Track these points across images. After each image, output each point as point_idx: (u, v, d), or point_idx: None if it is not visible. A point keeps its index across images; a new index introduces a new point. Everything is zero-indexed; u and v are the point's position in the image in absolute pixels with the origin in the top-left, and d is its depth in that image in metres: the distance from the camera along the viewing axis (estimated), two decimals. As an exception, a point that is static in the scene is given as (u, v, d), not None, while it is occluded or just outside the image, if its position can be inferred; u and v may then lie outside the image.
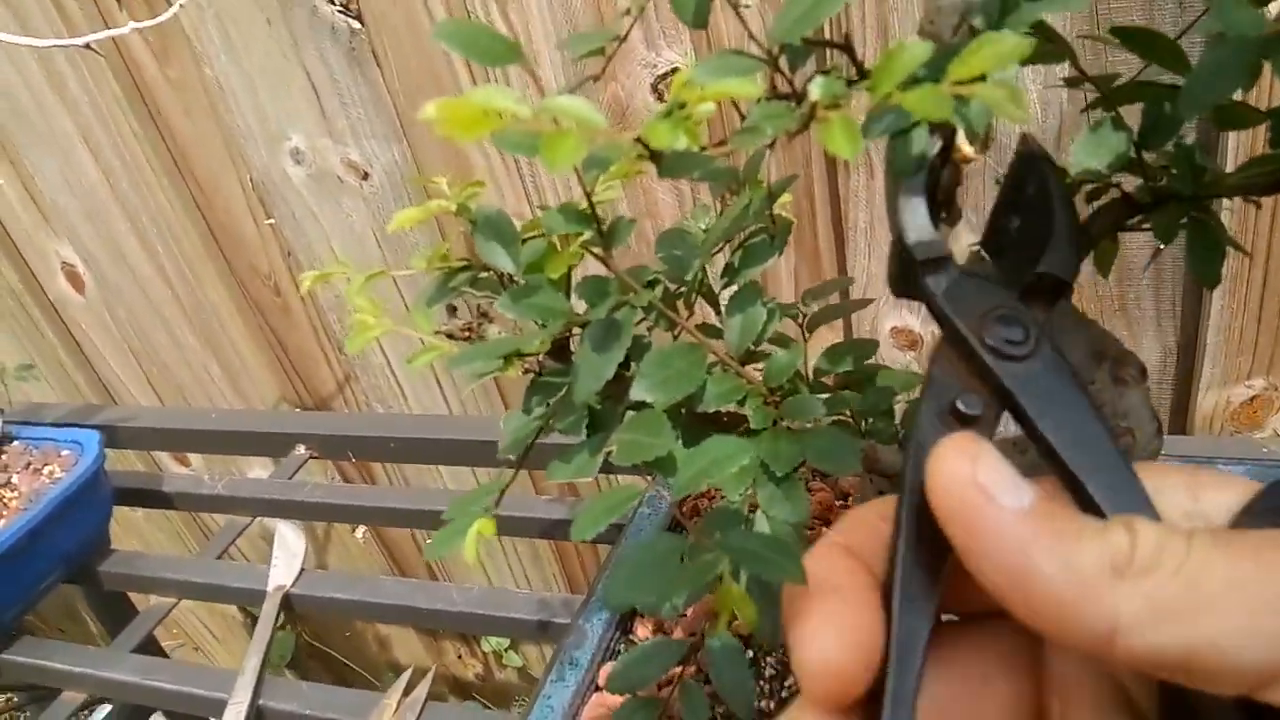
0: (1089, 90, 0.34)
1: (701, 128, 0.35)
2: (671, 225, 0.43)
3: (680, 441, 0.37)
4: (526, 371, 0.42)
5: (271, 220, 1.12)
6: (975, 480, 0.20)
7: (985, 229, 0.29)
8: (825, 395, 0.41)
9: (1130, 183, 0.36)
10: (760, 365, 0.37)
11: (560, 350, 0.40)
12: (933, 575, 0.22)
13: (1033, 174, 0.28)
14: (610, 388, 0.38)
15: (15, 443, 0.85)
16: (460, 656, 1.56)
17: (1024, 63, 0.32)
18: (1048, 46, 0.33)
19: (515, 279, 0.40)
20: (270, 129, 1.04)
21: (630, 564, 0.28)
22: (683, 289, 0.39)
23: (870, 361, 0.42)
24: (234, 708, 0.68)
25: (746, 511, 0.34)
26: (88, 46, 0.77)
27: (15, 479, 0.81)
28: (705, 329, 0.39)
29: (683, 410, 0.36)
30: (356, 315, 0.36)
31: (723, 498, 0.34)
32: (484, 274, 0.42)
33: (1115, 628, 0.18)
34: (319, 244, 1.11)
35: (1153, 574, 0.18)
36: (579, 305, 0.36)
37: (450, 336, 0.44)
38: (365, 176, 1.03)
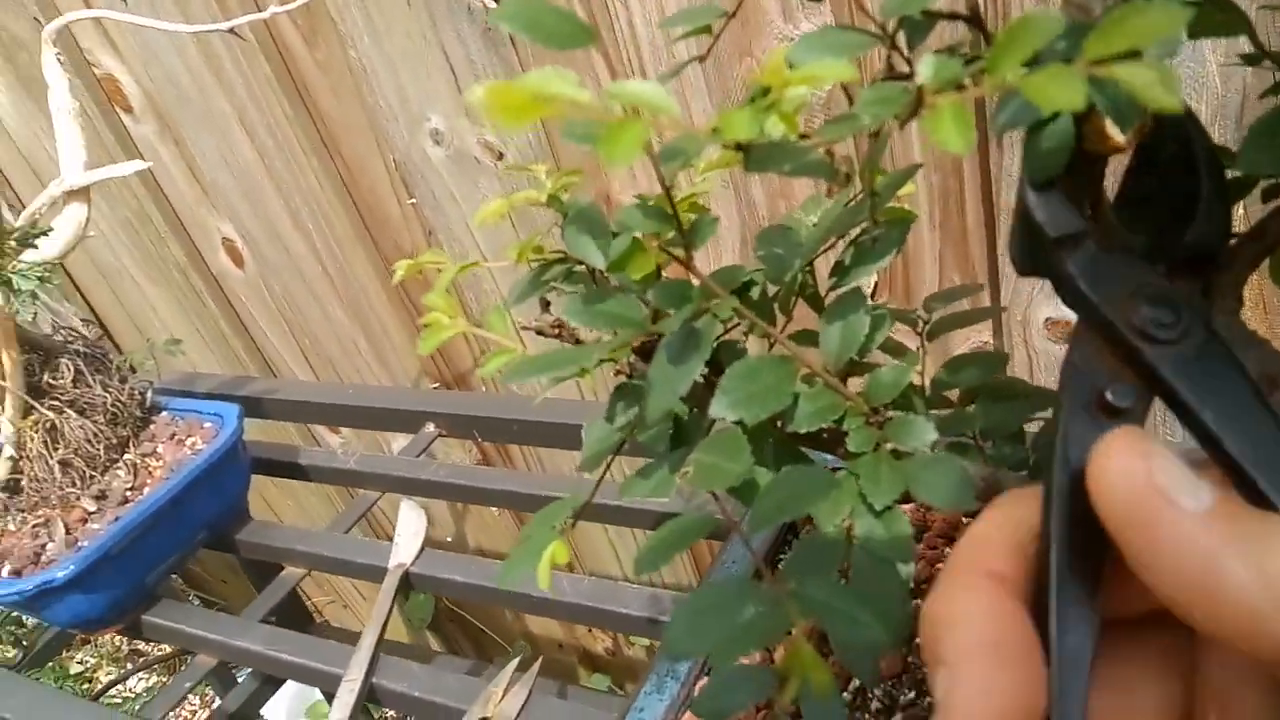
0: (1270, 68, 0.29)
1: (806, 111, 0.32)
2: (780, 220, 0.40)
3: (771, 463, 0.34)
4: (617, 373, 0.39)
5: (413, 200, 1.13)
6: (1151, 481, 0.17)
7: (1116, 196, 0.25)
8: (945, 412, 0.37)
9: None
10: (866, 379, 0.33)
11: (650, 352, 0.37)
12: (1092, 587, 0.19)
13: (1173, 132, 0.24)
14: (699, 397, 0.35)
15: (163, 413, 0.89)
16: (590, 631, 1.56)
17: (1193, 35, 0.27)
18: (1218, 18, 0.27)
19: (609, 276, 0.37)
20: (411, 110, 1.05)
21: (693, 609, 0.25)
22: (781, 292, 0.35)
23: (999, 375, 0.37)
24: (348, 684, 0.69)
25: (844, 542, 0.30)
26: (231, 31, 0.79)
27: (160, 449, 0.85)
28: (805, 336, 0.35)
29: (774, 424, 0.33)
30: (431, 314, 0.35)
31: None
32: (579, 268, 0.40)
33: None
34: (457, 224, 1.12)
35: None
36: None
37: (539, 333, 0.42)
38: (500, 157, 1.03)
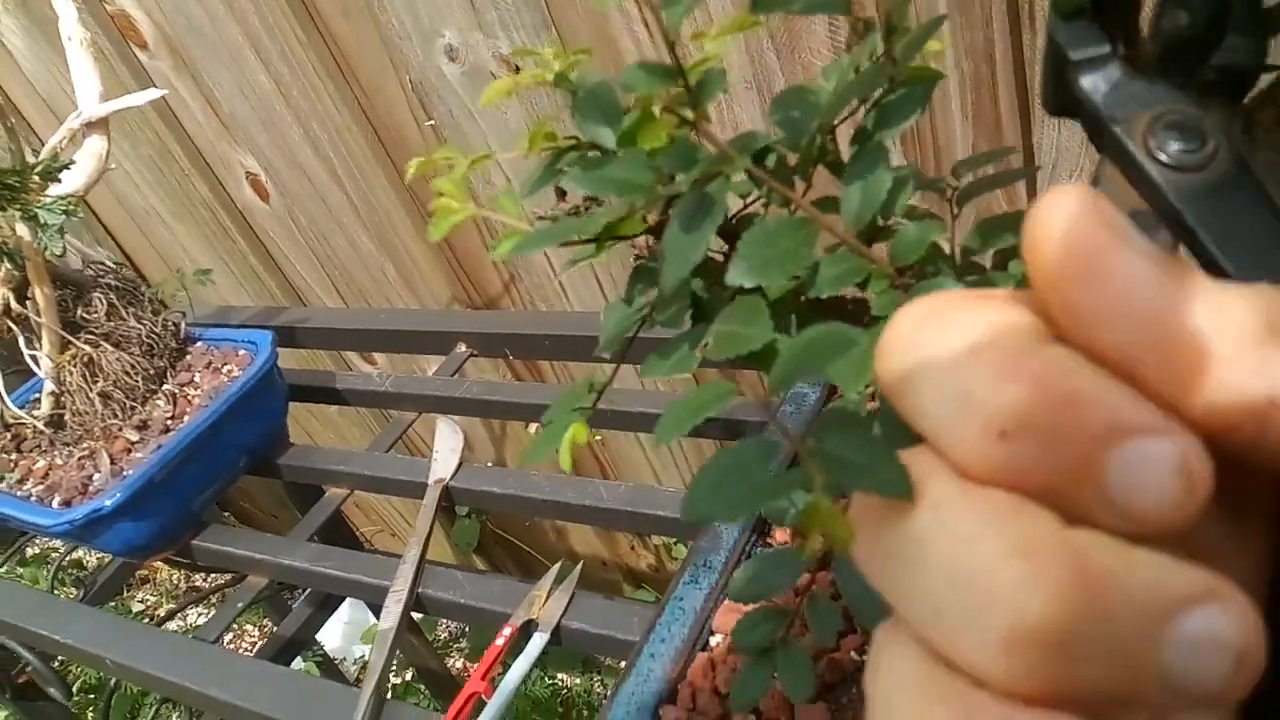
0: None
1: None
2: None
3: (796, 334, 0.33)
4: (636, 257, 0.39)
5: (432, 121, 1.12)
6: (1101, 216, 0.15)
7: (1150, 25, 0.24)
8: (973, 278, 0.36)
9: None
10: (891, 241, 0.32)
11: (664, 228, 0.36)
12: None
13: None
14: (719, 272, 0.34)
15: (198, 343, 0.90)
16: (633, 548, 1.58)
17: None
18: None
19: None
20: (424, 26, 1.03)
21: (714, 470, 0.25)
22: (800, 159, 0.34)
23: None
24: (394, 595, 0.70)
25: (865, 407, 0.29)
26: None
27: (198, 377, 0.85)
28: (829, 203, 0.34)
29: (799, 297, 0.32)
30: (438, 200, 0.34)
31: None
32: (593, 153, 0.39)
33: (1274, 387, 0.14)
34: (478, 143, 1.10)
35: None
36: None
37: (555, 222, 0.41)
38: (518, 70, 1.01)
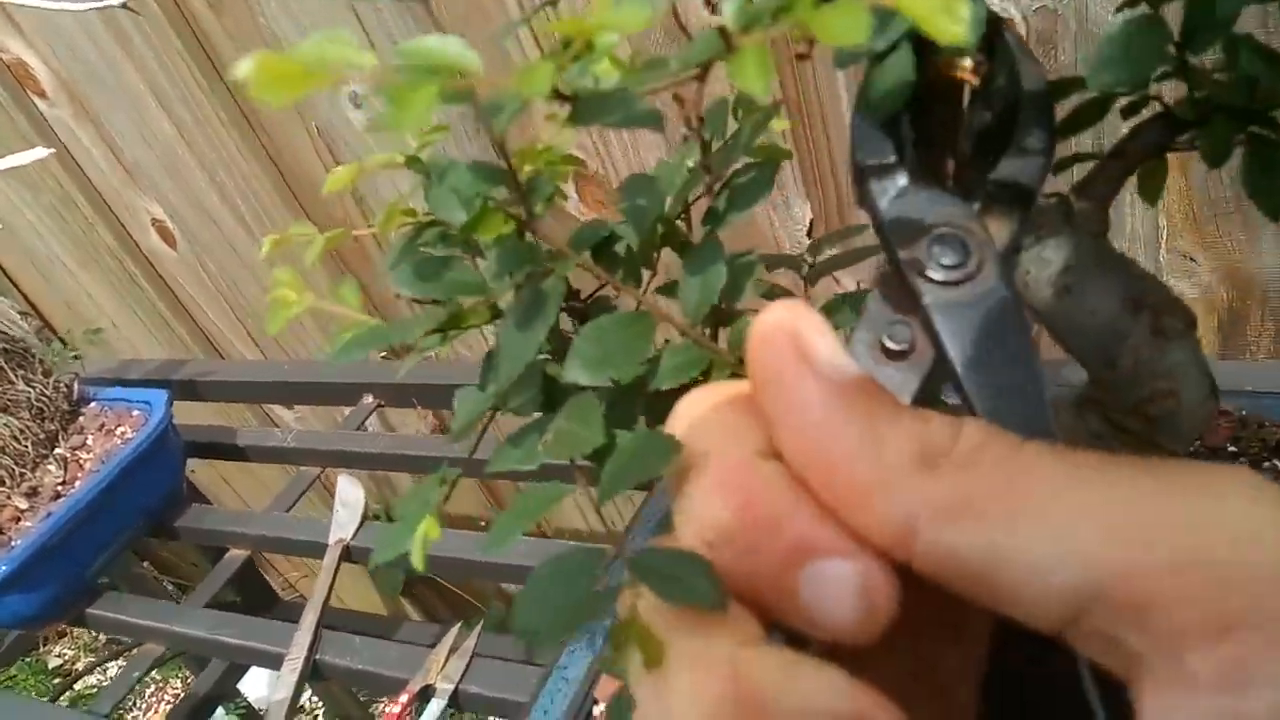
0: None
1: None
2: (655, 168, 0.39)
3: (646, 424, 0.33)
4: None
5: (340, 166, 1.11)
6: (795, 334, 0.17)
7: (963, 130, 0.24)
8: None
9: (1174, 93, 0.30)
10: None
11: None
12: None
13: (1002, 63, 0.23)
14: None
15: (92, 404, 0.87)
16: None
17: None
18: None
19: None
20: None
21: (539, 583, 0.24)
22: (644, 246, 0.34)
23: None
24: (290, 663, 0.69)
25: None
26: (124, 6, 0.76)
27: (90, 440, 0.83)
28: (675, 287, 0.34)
29: (645, 389, 0.32)
30: (276, 290, 0.33)
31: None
32: (453, 230, 0.39)
33: (914, 522, 0.15)
34: (387, 190, 1.10)
35: (968, 470, 0.15)
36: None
37: (416, 301, 0.41)
38: (420, 117, 1.00)
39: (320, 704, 1.75)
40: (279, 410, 1.48)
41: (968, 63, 0.24)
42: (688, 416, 0.19)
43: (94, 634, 2.04)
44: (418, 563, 0.33)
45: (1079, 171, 0.33)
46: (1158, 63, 0.27)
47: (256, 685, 1.77)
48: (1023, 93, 0.23)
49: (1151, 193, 0.33)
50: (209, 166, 1.17)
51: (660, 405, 0.33)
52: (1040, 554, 0.14)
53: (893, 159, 0.22)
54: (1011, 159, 0.22)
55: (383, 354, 1.29)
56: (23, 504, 0.78)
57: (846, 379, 0.16)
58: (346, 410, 1.37)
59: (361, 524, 0.79)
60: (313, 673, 0.69)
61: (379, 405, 0.93)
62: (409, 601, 1.73)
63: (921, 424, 0.16)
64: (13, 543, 0.76)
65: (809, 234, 0.89)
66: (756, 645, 0.15)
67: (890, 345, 0.19)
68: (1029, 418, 0.17)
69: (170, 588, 1.81)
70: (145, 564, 1.79)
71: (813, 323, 0.17)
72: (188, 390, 0.90)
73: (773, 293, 0.38)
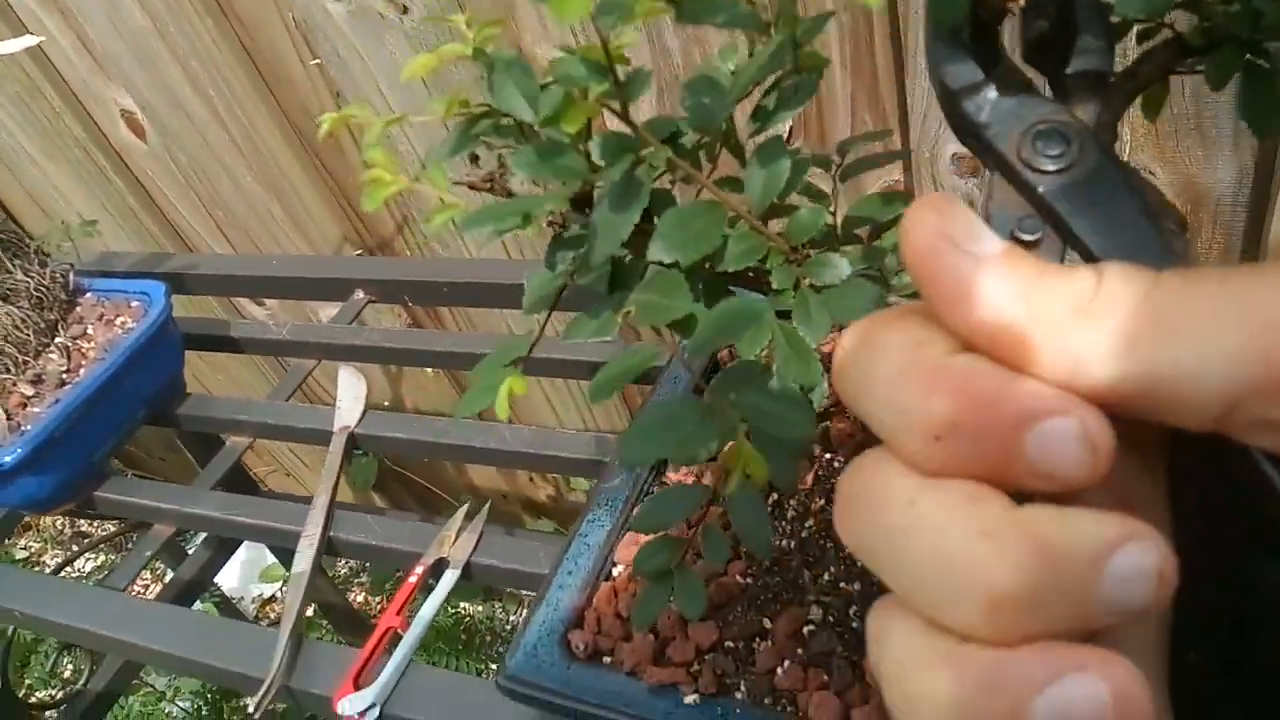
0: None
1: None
2: (697, 68, 0.42)
3: (702, 300, 0.37)
4: (550, 224, 0.42)
5: (318, 60, 1.10)
6: (942, 229, 0.19)
7: (1020, 39, 0.27)
8: (854, 248, 0.40)
9: (1186, 21, 0.34)
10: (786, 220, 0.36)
11: (582, 202, 0.39)
12: None
13: None
14: (634, 241, 0.38)
15: (88, 295, 0.88)
16: (532, 479, 1.62)
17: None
18: None
19: (535, 128, 0.39)
20: (308, -38, 1.01)
21: (648, 421, 0.29)
22: (709, 141, 0.37)
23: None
24: (306, 540, 0.72)
25: (762, 368, 0.34)
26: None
27: (90, 330, 0.84)
28: (729, 182, 0.38)
29: (706, 268, 0.36)
30: (370, 171, 0.36)
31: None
32: (505, 120, 0.41)
33: (1076, 364, 0.17)
34: (365, 83, 1.09)
35: (1116, 309, 0.17)
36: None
37: (472, 187, 0.43)
38: (405, 10, 1.00)
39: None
40: (248, 305, 1.48)
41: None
42: (864, 341, 0.20)
43: (59, 527, 2.05)
44: (502, 411, 0.36)
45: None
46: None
47: (229, 576, 1.81)
48: (1077, 5, 0.26)
49: (1153, 109, 0.37)
50: (182, 57, 1.16)
51: (716, 286, 0.37)
52: (1189, 362, 0.16)
53: (980, 77, 0.25)
54: (1081, 54, 0.25)
55: (358, 251, 1.30)
56: (28, 390, 0.80)
57: (997, 253, 0.19)
58: (321, 307, 1.39)
59: (365, 412, 0.82)
60: (328, 548, 0.73)
61: (370, 301, 0.96)
62: (379, 495, 1.78)
63: (1067, 277, 0.18)
64: (22, 427, 0.77)
65: (788, 140, 0.93)
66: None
67: (1023, 237, 0.22)
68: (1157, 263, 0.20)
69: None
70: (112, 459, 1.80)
71: (956, 210, 0.19)
72: (175, 283, 0.90)
73: (810, 189, 0.41)
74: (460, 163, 0.43)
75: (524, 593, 1.71)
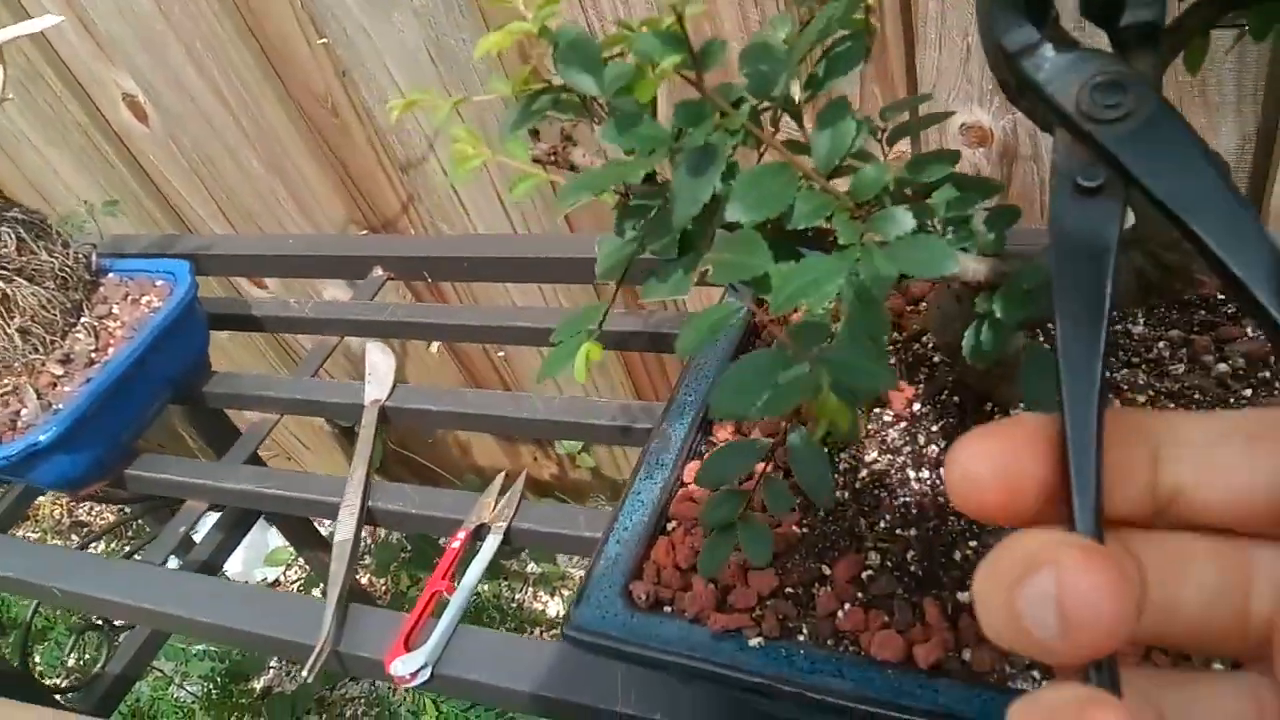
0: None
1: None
2: (753, 37, 0.43)
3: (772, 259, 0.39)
4: (616, 193, 0.43)
5: (324, 40, 1.11)
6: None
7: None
8: (908, 207, 0.42)
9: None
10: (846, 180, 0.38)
11: (650, 174, 0.41)
12: (1095, 354, 0.21)
13: None
14: (700, 209, 0.39)
15: (110, 275, 0.89)
16: (536, 459, 1.64)
17: None
18: None
19: (599, 101, 0.40)
20: (316, -59, 1.01)
21: (735, 378, 0.31)
22: (767, 106, 0.39)
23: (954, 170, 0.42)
24: (347, 509, 0.74)
25: (831, 324, 0.35)
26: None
27: (116, 309, 0.85)
28: (791, 145, 0.39)
29: (769, 227, 0.38)
30: (455, 145, 0.38)
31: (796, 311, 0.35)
32: (565, 95, 0.43)
33: None
34: (372, 62, 1.10)
35: None
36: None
37: (536, 161, 0.45)
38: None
39: (303, 574, 1.81)
40: (247, 286, 1.49)
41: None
42: None
43: (56, 516, 2.06)
44: (580, 375, 0.38)
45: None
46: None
47: (233, 561, 1.82)
48: None
49: (1194, 63, 0.39)
50: (186, 39, 1.16)
51: (784, 242, 0.39)
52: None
53: (1037, 38, 0.26)
54: (1135, 6, 0.26)
55: (363, 231, 1.31)
56: (58, 370, 0.81)
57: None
58: (325, 287, 1.40)
59: (394, 387, 0.83)
60: (368, 518, 0.75)
61: (389, 277, 0.97)
62: (381, 478, 1.79)
63: None
64: (54, 406, 0.78)
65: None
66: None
67: (1086, 185, 0.23)
68: (1223, 210, 0.22)
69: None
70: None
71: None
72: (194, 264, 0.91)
73: (861, 152, 0.43)
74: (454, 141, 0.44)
75: (529, 570, 1.74)
